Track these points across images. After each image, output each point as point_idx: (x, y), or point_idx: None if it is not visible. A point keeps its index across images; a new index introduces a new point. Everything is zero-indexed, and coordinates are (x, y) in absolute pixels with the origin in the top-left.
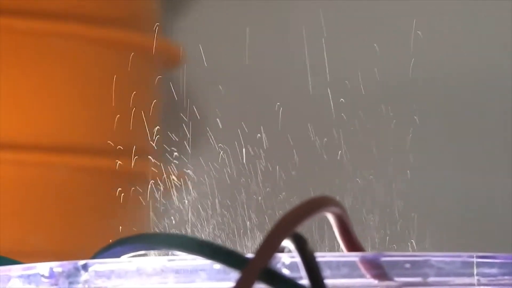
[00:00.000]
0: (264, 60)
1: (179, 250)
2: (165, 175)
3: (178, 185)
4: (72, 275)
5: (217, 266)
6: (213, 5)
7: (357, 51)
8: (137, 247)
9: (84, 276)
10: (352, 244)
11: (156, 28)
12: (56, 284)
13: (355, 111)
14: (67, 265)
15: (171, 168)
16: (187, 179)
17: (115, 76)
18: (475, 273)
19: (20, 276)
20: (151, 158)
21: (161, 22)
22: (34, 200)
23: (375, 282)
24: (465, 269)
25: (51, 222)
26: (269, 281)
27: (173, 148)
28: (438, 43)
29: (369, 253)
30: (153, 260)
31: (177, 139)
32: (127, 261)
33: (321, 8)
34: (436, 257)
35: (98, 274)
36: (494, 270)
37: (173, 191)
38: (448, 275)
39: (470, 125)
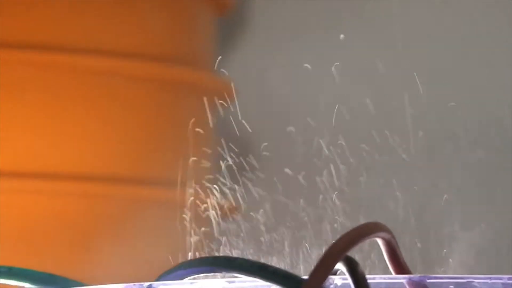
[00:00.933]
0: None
1: (239, 273)
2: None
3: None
4: None
5: (275, 287)
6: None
7: None
8: (199, 270)
9: None
10: (400, 267)
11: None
12: None
13: None
14: (133, 287)
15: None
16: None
17: (168, 112)
18: None
19: None
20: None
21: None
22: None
23: None
24: None
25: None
26: None
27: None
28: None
29: (415, 275)
30: (214, 282)
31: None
32: (190, 283)
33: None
34: (478, 280)
35: None
36: None
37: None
38: None
39: None
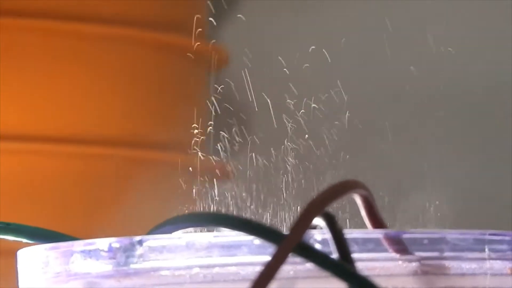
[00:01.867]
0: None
1: (224, 227)
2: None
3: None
4: (128, 250)
5: (257, 241)
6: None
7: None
8: (186, 224)
9: (139, 250)
10: (377, 223)
11: (198, 31)
12: (114, 258)
13: None
14: (124, 240)
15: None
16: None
17: (161, 74)
18: (486, 248)
19: (82, 251)
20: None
21: (207, 25)
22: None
23: (397, 256)
24: (478, 245)
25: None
26: (302, 255)
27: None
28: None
29: (391, 230)
30: (201, 236)
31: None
32: (178, 237)
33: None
34: (451, 234)
35: (152, 249)
36: (503, 246)
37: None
38: (462, 250)
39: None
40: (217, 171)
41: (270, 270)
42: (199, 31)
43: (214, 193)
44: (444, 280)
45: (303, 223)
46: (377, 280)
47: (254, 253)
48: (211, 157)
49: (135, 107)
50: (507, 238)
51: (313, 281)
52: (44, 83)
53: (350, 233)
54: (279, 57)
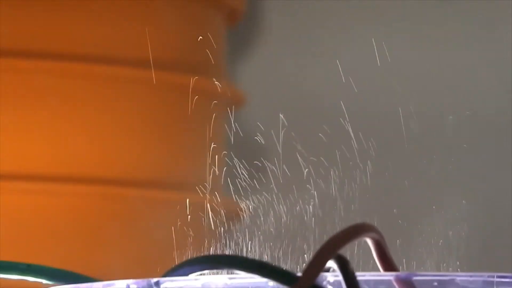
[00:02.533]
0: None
1: (239, 270)
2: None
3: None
4: None
5: (272, 283)
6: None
7: None
8: (203, 266)
9: None
10: (388, 265)
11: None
12: None
13: None
14: (142, 282)
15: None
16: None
17: (181, 115)
18: None
19: None
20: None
21: (227, 67)
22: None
23: None
24: (486, 287)
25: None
26: None
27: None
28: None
29: (402, 273)
30: (217, 278)
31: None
32: (194, 279)
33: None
34: (461, 277)
35: None
36: None
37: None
38: None
39: None
40: (231, 211)
41: None
42: (217, 71)
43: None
44: None
45: (315, 265)
46: None
47: None
48: (225, 197)
49: (146, 148)
50: None
51: None
52: (55, 123)
53: (362, 276)
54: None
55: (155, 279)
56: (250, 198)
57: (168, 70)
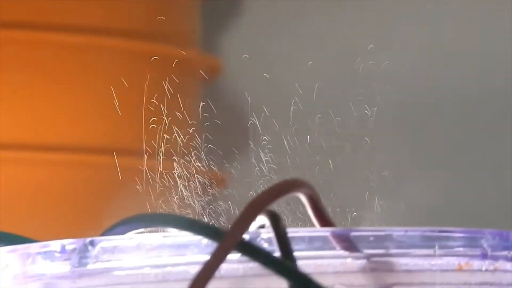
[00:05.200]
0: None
1: (172, 227)
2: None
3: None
4: (82, 251)
5: (205, 241)
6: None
7: None
8: (137, 225)
9: (92, 251)
10: (324, 221)
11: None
12: (68, 259)
13: None
14: (77, 242)
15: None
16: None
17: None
18: (436, 245)
19: (38, 253)
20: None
21: (202, 37)
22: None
23: (345, 253)
24: (425, 242)
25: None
26: (244, 252)
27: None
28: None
29: (339, 228)
30: (151, 236)
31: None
32: (129, 238)
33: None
34: (398, 232)
35: (104, 250)
36: (452, 243)
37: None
38: (408, 247)
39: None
40: (212, 179)
41: (209, 268)
42: (190, 40)
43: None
44: (392, 277)
45: (242, 221)
46: (324, 278)
47: (203, 253)
48: (203, 166)
49: (125, 116)
50: (456, 234)
51: (262, 279)
52: (38, 94)
53: (296, 232)
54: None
55: (89, 239)
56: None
57: (138, 37)
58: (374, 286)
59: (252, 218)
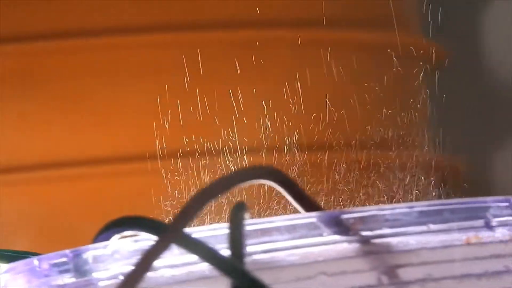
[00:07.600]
0: None
1: (126, 229)
2: None
3: None
4: (60, 265)
5: None
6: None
7: None
8: (113, 231)
9: (71, 264)
10: (308, 206)
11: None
12: (48, 276)
13: None
14: (54, 256)
15: None
16: None
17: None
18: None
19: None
20: None
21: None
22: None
23: (335, 238)
24: (421, 218)
25: None
26: (183, 245)
27: None
28: None
29: (325, 212)
30: (125, 242)
31: None
32: (103, 247)
33: None
34: (392, 210)
35: (85, 261)
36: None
37: None
38: (404, 225)
39: None
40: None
41: (144, 261)
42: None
43: None
44: (390, 258)
45: (185, 214)
46: (313, 267)
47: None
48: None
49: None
50: (454, 206)
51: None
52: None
53: (270, 221)
54: None
55: (68, 251)
56: None
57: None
58: (371, 270)
59: (195, 211)
